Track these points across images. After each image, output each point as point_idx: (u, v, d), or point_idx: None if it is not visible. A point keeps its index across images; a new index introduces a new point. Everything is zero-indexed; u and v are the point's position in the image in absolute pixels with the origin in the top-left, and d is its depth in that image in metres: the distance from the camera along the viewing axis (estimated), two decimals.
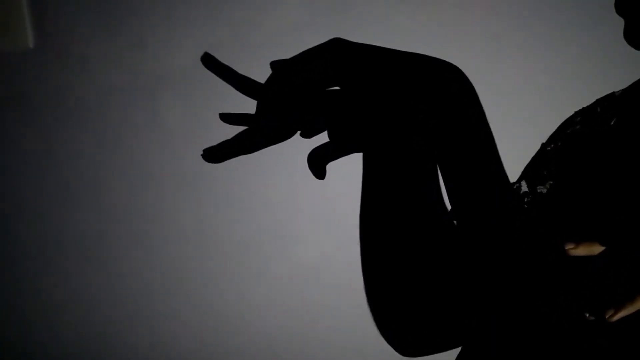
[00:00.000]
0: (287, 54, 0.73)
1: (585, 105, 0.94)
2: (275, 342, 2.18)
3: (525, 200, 0.87)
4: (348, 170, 1.11)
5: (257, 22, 2.07)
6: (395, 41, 1.03)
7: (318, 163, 0.73)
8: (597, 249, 0.76)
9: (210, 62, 0.74)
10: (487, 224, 0.70)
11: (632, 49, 0.83)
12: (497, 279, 0.70)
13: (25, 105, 2.14)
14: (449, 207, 0.75)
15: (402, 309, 0.74)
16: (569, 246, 0.76)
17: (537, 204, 0.85)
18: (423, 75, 0.70)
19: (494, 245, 0.70)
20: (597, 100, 0.93)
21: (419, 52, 0.73)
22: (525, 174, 0.90)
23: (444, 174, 0.72)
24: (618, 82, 0.99)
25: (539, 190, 0.87)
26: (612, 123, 0.86)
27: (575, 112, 0.94)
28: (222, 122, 0.77)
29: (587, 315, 0.73)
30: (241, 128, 0.75)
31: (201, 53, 0.75)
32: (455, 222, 0.74)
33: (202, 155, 0.74)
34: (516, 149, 1.11)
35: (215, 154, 0.74)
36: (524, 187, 0.88)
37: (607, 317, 0.73)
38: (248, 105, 0.76)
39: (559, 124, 0.94)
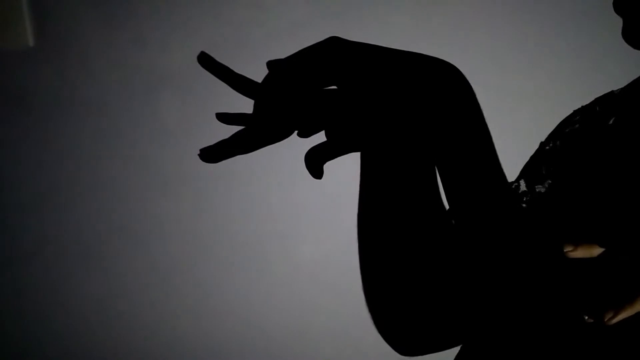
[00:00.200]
0: (287, 54, 0.73)
1: (584, 104, 0.94)
2: (276, 342, 2.18)
3: (524, 199, 0.87)
4: (347, 170, 1.11)
5: (257, 21, 2.07)
6: (394, 41, 1.03)
7: (315, 162, 0.73)
8: (596, 251, 0.76)
9: (206, 61, 0.74)
10: (484, 223, 0.70)
11: (631, 48, 0.83)
12: (495, 279, 0.70)
13: (25, 103, 2.14)
14: (447, 206, 0.74)
15: (400, 308, 0.74)
16: (568, 248, 0.76)
17: (536, 204, 0.85)
18: (420, 74, 0.70)
19: (492, 245, 0.70)
20: (596, 99, 0.93)
21: (416, 52, 0.73)
22: (524, 173, 0.90)
23: (441, 173, 0.72)
24: (617, 81, 0.99)
25: (537, 190, 0.86)
26: (611, 122, 0.86)
27: (574, 111, 0.94)
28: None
29: (586, 317, 0.73)
30: (239, 128, 0.75)
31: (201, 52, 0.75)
32: (453, 221, 0.74)
33: (199, 155, 0.73)
34: (514, 148, 1.11)
35: (212, 154, 0.74)
36: (523, 186, 0.88)
37: (606, 319, 0.73)
38: (248, 105, 0.76)
39: (557, 123, 0.94)
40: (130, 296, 2.20)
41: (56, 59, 2.12)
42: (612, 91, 0.92)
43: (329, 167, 0.76)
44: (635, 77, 0.90)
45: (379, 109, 0.70)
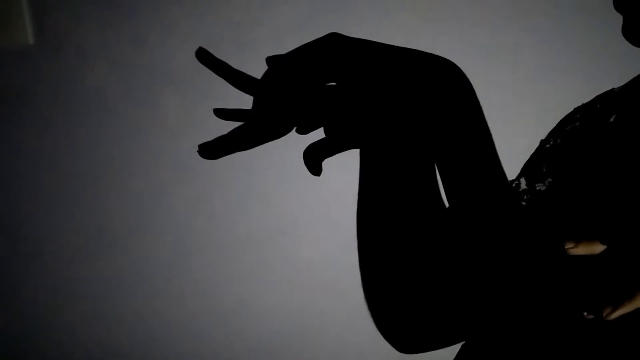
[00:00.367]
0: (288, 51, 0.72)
1: (584, 102, 0.94)
2: (275, 341, 2.18)
3: (524, 198, 0.86)
4: (346, 167, 1.11)
5: (257, 20, 2.06)
6: (394, 38, 1.03)
7: (314, 159, 0.73)
8: (597, 248, 0.76)
9: (204, 56, 0.73)
10: (484, 221, 0.70)
11: (631, 46, 0.82)
12: (495, 276, 0.70)
13: (25, 101, 2.14)
14: (446, 204, 0.74)
15: (400, 306, 0.74)
16: (569, 245, 0.75)
17: (536, 202, 0.85)
18: (420, 71, 0.70)
19: (492, 243, 0.70)
20: (597, 97, 0.93)
21: (417, 49, 0.73)
22: (524, 171, 0.90)
23: (441, 171, 0.72)
24: (617, 79, 0.99)
25: (537, 188, 0.86)
26: (611, 119, 0.85)
27: (575, 109, 0.94)
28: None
29: (586, 313, 0.73)
30: (237, 124, 0.75)
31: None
32: (452, 219, 0.73)
33: (197, 151, 0.73)
34: (514, 146, 1.10)
35: (211, 150, 0.73)
36: (523, 184, 0.88)
37: (605, 315, 0.72)
38: (247, 104, 0.76)
39: (558, 121, 0.94)
40: (130, 296, 2.20)
41: (56, 56, 2.12)
42: (613, 89, 0.92)
43: (327, 164, 0.76)
44: (635, 74, 0.90)
45: (378, 105, 0.70)
